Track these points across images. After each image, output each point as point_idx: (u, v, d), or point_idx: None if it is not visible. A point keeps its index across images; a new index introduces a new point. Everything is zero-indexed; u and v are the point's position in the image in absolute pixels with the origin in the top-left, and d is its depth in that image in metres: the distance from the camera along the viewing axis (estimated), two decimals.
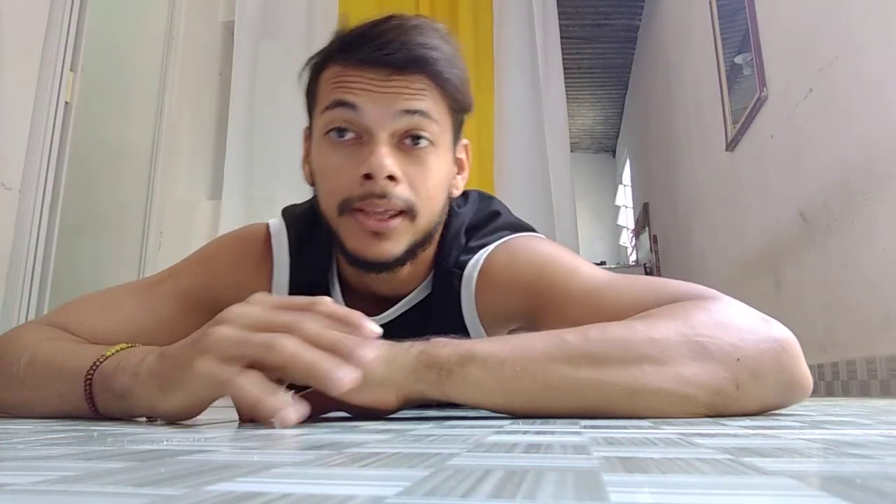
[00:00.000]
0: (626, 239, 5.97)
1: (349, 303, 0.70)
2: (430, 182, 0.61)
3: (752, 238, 2.18)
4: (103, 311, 0.67)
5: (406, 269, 0.66)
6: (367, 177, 0.58)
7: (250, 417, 0.43)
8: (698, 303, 0.52)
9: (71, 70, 1.79)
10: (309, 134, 0.67)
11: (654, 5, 3.73)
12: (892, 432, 0.34)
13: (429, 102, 0.61)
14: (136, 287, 0.72)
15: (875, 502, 0.15)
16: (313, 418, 0.53)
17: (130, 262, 2.04)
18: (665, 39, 3.51)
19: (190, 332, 0.51)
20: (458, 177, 0.70)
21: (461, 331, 0.68)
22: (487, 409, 0.48)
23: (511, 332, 0.73)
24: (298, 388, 0.45)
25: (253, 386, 0.41)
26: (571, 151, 2.73)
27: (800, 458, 0.24)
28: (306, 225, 0.71)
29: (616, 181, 6.51)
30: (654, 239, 4.10)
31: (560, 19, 2.75)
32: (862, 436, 0.32)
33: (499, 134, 2.50)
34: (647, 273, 4.22)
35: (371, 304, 0.69)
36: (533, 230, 0.74)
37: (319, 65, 0.64)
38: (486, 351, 0.46)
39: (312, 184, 0.66)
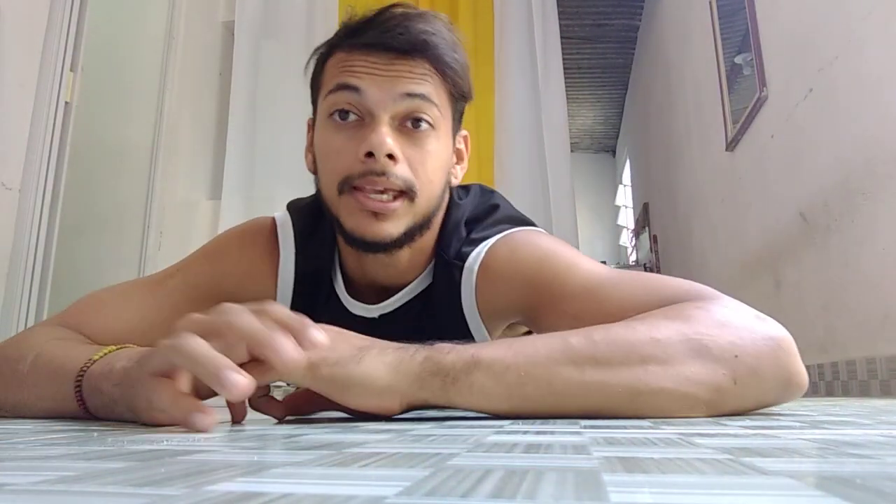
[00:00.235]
0: (626, 239, 5.97)
1: (351, 293, 0.71)
2: (429, 164, 0.62)
3: (752, 238, 2.18)
4: (114, 309, 0.68)
5: (405, 257, 0.67)
6: (369, 155, 0.59)
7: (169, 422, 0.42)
8: (697, 303, 0.52)
9: (71, 70, 1.79)
10: (313, 124, 0.68)
11: (654, 5, 3.73)
12: (892, 432, 0.34)
13: (430, 87, 0.62)
14: (145, 284, 0.72)
15: (875, 502, 0.15)
16: (312, 412, 0.53)
17: (130, 262, 2.04)
18: (665, 39, 3.51)
19: None
20: (458, 166, 0.71)
21: (460, 322, 0.69)
22: (492, 415, 0.48)
23: (509, 326, 0.73)
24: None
25: (166, 396, 0.41)
26: (571, 151, 2.73)
27: (800, 458, 0.24)
28: (310, 217, 0.72)
29: (616, 181, 6.51)
30: (654, 239, 4.09)
31: (560, 19, 2.75)
32: (862, 436, 0.32)
33: (499, 134, 2.50)
34: None
35: (372, 294, 0.70)
36: (533, 224, 0.74)
37: (325, 53, 0.66)
38: (491, 356, 0.46)
39: (315, 172, 0.67)
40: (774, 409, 0.61)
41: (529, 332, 0.80)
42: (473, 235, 0.69)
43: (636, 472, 0.20)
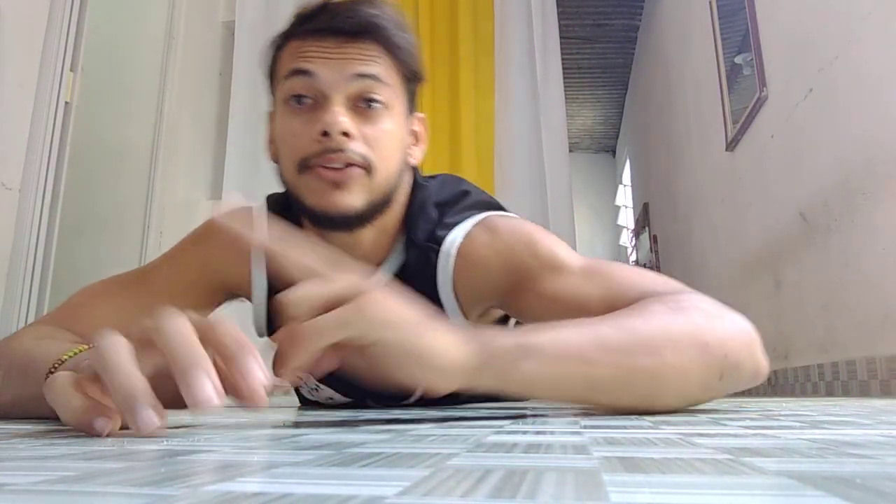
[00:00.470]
0: (626, 239, 5.97)
1: None
2: (384, 141, 0.64)
3: (752, 238, 2.18)
4: (102, 307, 0.69)
5: (368, 237, 0.68)
6: (324, 134, 0.61)
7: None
8: (687, 297, 0.56)
9: (71, 70, 1.79)
10: (273, 115, 0.69)
11: (654, 5, 3.73)
12: (893, 432, 0.34)
13: (380, 68, 0.64)
14: (133, 279, 0.74)
15: (875, 502, 0.15)
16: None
17: (130, 262, 2.04)
18: (665, 39, 3.51)
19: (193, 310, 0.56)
20: (416, 147, 0.73)
21: (435, 304, 0.69)
22: (536, 399, 0.49)
23: (485, 310, 0.74)
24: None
25: (74, 400, 0.37)
26: (571, 151, 2.73)
27: (800, 458, 0.24)
28: (283, 205, 0.74)
29: (616, 181, 6.51)
30: (654, 239, 4.09)
31: (560, 19, 2.75)
32: (862, 436, 0.32)
33: (499, 134, 2.50)
34: None
35: None
36: (504, 209, 0.75)
37: (279, 44, 0.68)
38: (542, 343, 0.47)
39: (276, 161, 0.68)
40: (774, 409, 0.61)
41: (505, 318, 0.80)
42: (447, 219, 0.70)
43: (636, 472, 0.20)
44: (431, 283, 0.69)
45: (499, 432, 0.35)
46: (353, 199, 0.63)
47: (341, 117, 0.61)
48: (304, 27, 0.65)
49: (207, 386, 0.33)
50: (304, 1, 0.67)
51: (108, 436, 0.35)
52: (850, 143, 1.45)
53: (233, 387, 0.36)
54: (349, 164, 0.62)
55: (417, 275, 0.70)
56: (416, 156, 0.73)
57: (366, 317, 0.40)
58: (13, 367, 0.54)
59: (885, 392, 1.29)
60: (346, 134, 0.61)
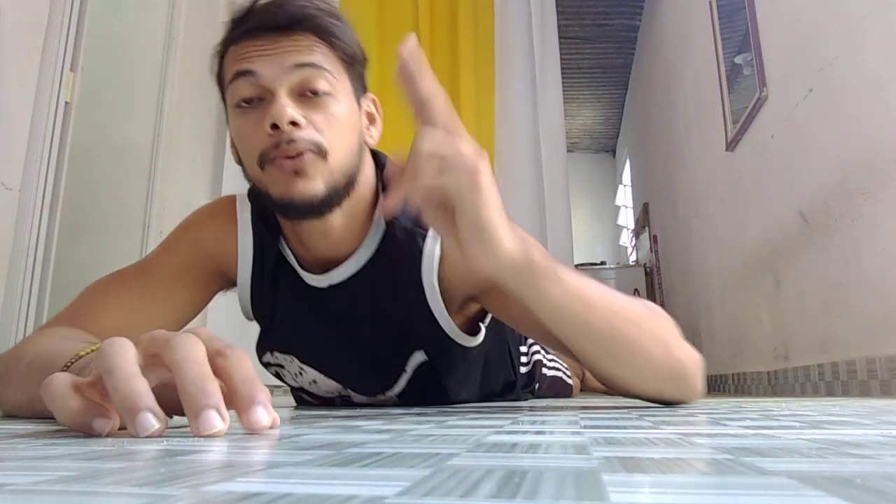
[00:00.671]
0: (627, 239, 5.97)
1: (304, 267, 0.75)
2: (335, 125, 0.66)
3: (752, 238, 2.18)
4: (112, 303, 0.72)
5: (338, 222, 0.70)
6: (274, 127, 0.62)
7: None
8: (659, 309, 0.65)
9: (71, 70, 1.79)
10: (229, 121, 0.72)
11: (654, 5, 3.73)
12: (893, 432, 0.34)
13: (318, 56, 0.66)
14: (133, 272, 0.76)
15: (875, 502, 0.15)
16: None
17: (131, 262, 2.03)
18: (665, 39, 3.51)
19: (192, 299, 0.75)
20: (372, 128, 0.75)
21: (418, 294, 0.71)
22: (549, 321, 0.57)
23: (464, 303, 0.75)
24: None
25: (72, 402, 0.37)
26: (571, 151, 2.74)
27: (800, 458, 0.24)
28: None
29: (616, 181, 6.51)
30: (654, 239, 4.09)
31: (560, 19, 2.75)
32: (862, 436, 0.32)
33: (499, 134, 2.50)
34: (646, 274, 4.22)
35: (321, 269, 0.74)
36: None
37: (222, 52, 0.69)
38: (566, 277, 0.55)
39: (241, 164, 0.70)
40: (774, 409, 0.61)
41: (482, 314, 0.81)
42: None
43: (636, 472, 0.20)
44: (416, 269, 0.71)
45: (499, 432, 0.35)
46: (314, 184, 0.64)
47: (287, 108, 0.62)
48: (239, 30, 0.67)
49: (215, 418, 0.33)
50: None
51: (107, 436, 0.35)
52: (850, 142, 1.45)
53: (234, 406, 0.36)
54: (301, 154, 0.63)
55: (399, 259, 0.71)
56: (375, 136, 0.75)
57: (470, 180, 0.47)
58: (28, 369, 0.55)
59: (886, 392, 1.29)
60: (294, 123, 0.63)
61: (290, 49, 0.65)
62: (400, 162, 0.48)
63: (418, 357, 0.78)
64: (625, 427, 0.38)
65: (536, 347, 1.32)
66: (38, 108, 1.70)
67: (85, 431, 0.35)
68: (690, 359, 0.64)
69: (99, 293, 0.73)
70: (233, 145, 0.71)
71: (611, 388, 0.68)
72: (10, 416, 0.57)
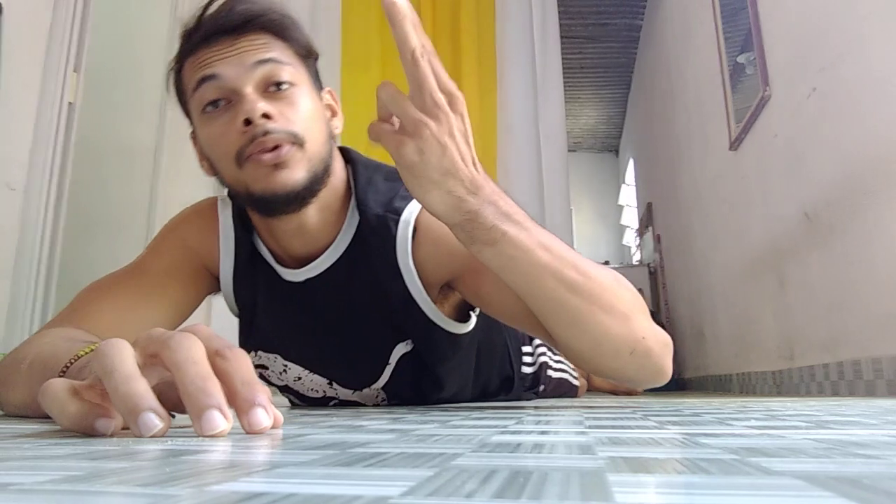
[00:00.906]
0: (630, 239, 5.96)
1: (282, 264, 0.77)
2: (305, 115, 0.67)
3: (755, 237, 2.17)
4: (109, 303, 0.72)
5: (313, 216, 0.71)
6: (247, 123, 0.63)
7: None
8: (630, 285, 0.66)
9: (74, 71, 1.80)
10: (194, 133, 0.72)
11: (657, 4, 3.73)
12: None
13: (276, 52, 0.68)
14: (126, 274, 0.77)
15: (883, 503, 0.15)
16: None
17: None
18: (667, 39, 3.50)
19: (185, 296, 0.76)
20: (335, 119, 0.76)
21: (395, 275, 0.72)
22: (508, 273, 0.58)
23: (444, 288, 0.76)
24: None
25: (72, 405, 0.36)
26: (574, 151, 2.73)
27: (806, 458, 0.23)
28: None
29: (619, 181, 6.50)
30: (657, 238, 4.09)
31: (562, 19, 2.75)
32: (868, 436, 0.32)
33: (501, 134, 2.50)
34: (650, 274, 4.21)
35: (297, 265, 0.75)
36: None
37: (178, 66, 0.71)
38: (527, 224, 0.58)
39: (214, 173, 0.71)
40: (779, 409, 0.61)
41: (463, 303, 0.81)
42: (404, 192, 0.72)
43: (641, 473, 0.20)
44: (391, 253, 0.72)
45: (503, 432, 0.35)
46: (295, 173, 0.65)
47: (258, 103, 0.63)
48: (194, 40, 0.68)
49: (218, 418, 0.33)
50: (314, 6, 0.69)
51: (111, 436, 0.35)
52: (854, 142, 1.44)
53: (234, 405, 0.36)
54: (279, 146, 0.64)
55: (374, 247, 0.72)
56: (339, 126, 0.76)
57: (397, 154, 0.52)
58: (29, 370, 0.55)
59: (892, 392, 1.29)
60: (267, 116, 0.63)
61: (248, 48, 0.66)
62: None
63: (402, 348, 0.78)
64: (630, 427, 0.38)
65: (543, 349, 1.31)
66: (42, 108, 1.70)
67: (88, 433, 0.35)
68: (655, 337, 0.63)
69: (94, 295, 0.74)
70: (202, 158, 0.72)
71: (574, 363, 0.69)
72: (16, 416, 0.57)
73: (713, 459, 0.23)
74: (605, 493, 0.17)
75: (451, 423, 0.45)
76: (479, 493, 0.16)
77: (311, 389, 0.85)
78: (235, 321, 0.84)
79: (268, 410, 0.36)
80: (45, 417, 0.52)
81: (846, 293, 1.52)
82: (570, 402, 0.97)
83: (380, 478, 0.19)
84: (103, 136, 2.19)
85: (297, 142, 0.65)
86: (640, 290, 3.54)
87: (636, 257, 5.29)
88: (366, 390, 0.83)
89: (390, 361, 0.79)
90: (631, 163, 5.59)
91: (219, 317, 1.80)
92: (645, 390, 1.79)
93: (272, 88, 0.66)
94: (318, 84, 0.74)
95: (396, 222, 0.72)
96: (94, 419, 0.34)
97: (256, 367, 0.85)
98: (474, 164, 0.56)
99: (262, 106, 0.63)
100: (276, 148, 0.63)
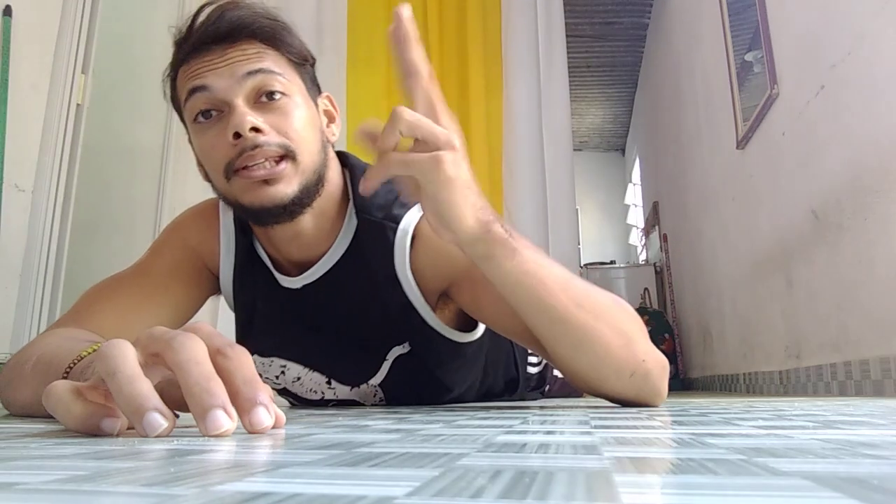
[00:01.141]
0: (636, 238, 5.94)
1: (280, 270, 0.77)
2: (296, 125, 0.66)
3: (763, 237, 2.16)
4: (111, 303, 0.73)
5: (309, 223, 0.70)
6: (237, 136, 0.63)
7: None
8: (630, 308, 0.66)
9: (82, 72, 1.81)
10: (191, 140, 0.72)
11: (664, 2, 3.71)
12: None
13: (268, 61, 0.67)
14: (129, 274, 0.77)
15: (892, 503, 0.15)
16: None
17: None
18: (674, 37, 3.49)
19: (187, 296, 0.77)
20: (332, 126, 0.75)
21: (394, 283, 0.72)
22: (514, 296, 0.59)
23: (441, 297, 0.76)
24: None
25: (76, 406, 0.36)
26: (580, 150, 2.73)
27: (814, 458, 0.23)
28: None
29: (626, 179, 6.48)
30: (664, 238, 4.07)
31: (568, 17, 2.74)
32: (877, 436, 0.32)
33: (507, 134, 2.50)
34: (656, 273, 4.20)
35: (296, 271, 0.75)
36: None
37: (173, 75, 0.71)
38: (527, 255, 0.57)
39: (209, 180, 0.71)
40: (786, 409, 0.61)
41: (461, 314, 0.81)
42: (403, 199, 0.72)
43: (647, 473, 0.20)
44: (388, 261, 0.71)
45: (508, 432, 0.35)
46: (286, 188, 0.65)
47: (247, 116, 0.63)
48: (185, 49, 0.68)
49: (222, 418, 0.33)
50: (320, 5, 0.69)
51: (117, 435, 0.35)
52: (862, 140, 1.43)
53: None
54: (270, 159, 0.64)
55: (372, 254, 0.72)
56: (336, 133, 0.76)
57: (437, 171, 0.50)
58: (33, 370, 0.55)
59: None
60: (256, 129, 0.63)
61: (239, 58, 0.65)
62: (374, 130, 0.50)
63: (399, 350, 0.78)
64: (636, 427, 0.38)
65: None
66: (51, 110, 1.71)
67: (93, 433, 0.35)
68: (655, 359, 0.63)
69: (97, 296, 0.74)
70: (199, 163, 0.72)
71: (574, 383, 0.68)
72: (21, 416, 0.58)
73: (720, 460, 0.23)
74: (611, 494, 0.16)
75: (456, 422, 0.45)
76: (485, 494, 0.16)
77: (310, 390, 0.85)
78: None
79: (269, 409, 0.36)
80: (50, 417, 0.52)
81: (854, 292, 1.51)
82: (575, 402, 0.97)
83: (385, 478, 0.19)
84: (111, 138, 2.21)
85: (289, 154, 0.65)
86: (645, 290, 3.51)
87: (642, 256, 5.27)
88: (363, 386, 0.82)
89: (387, 358, 0.79)
90: (637, 162, 5.58)
91: (224, 315, 1.81)
92: None
93: (264, 98, 0.65)
94: (315, 90, 0.73)
95: (395, 231, 0.71)
96: (100, 419, 0.35)
97: None
98: None
99: (252, 119, 0.63)
100: (266, 160, 0.63)
